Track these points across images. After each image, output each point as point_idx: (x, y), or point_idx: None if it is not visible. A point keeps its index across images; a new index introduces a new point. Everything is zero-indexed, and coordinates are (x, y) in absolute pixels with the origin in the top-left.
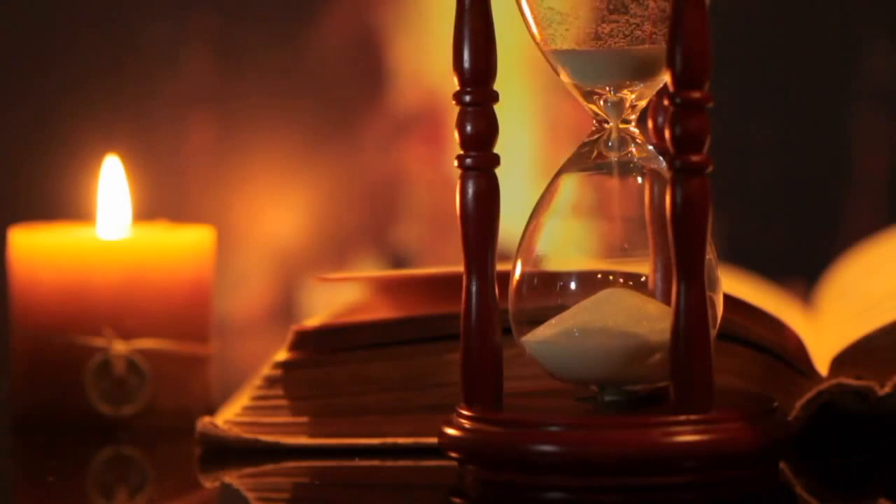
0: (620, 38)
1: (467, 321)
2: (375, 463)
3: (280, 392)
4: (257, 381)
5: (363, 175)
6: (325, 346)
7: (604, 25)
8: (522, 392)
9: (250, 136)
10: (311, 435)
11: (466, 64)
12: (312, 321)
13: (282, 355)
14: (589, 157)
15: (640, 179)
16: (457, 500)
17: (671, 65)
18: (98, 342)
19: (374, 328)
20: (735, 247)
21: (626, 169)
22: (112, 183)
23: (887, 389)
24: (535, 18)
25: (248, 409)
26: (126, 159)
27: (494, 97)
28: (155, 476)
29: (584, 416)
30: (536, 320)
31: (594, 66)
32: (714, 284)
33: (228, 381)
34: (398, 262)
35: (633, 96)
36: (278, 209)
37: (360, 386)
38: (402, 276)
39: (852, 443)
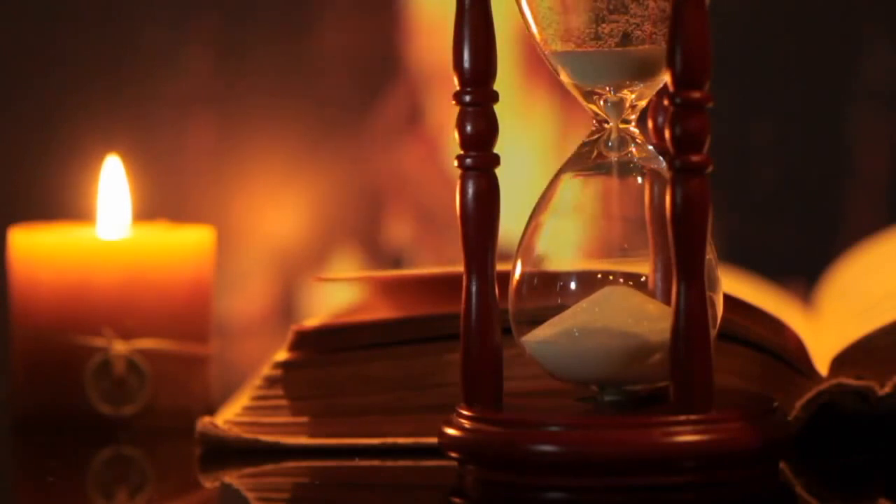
0: (620, 38)
1: (467, 321)
2: (375, 463)
3: (280, 392)
4: (257, 381)
5: (363, 175)
6: (325, 346)
7: (604, 25)
8: (522, 392)
9: (250, 136)
10: (311, 435)
11: (466, 64)
12: (312, 321)
13: (282, 355)
14: (589, 157)
15: (640, 179)
16: (457, 500)
17: (671, 65)
18: (98, 342)
19: (374, 328)
20: (735, 247)
21: (626, 169)
22: (112, 183)
23: (887, 389)
24: (535, 18)
25: (248, 409)
26: (126, 159)
27: (494, 97)
28: (155, 476)
29: (584, 416)
30: (536, 320)
31: (594, 66)
32: (714, 284)
33: (228, 381)
34: (398, 262)
35: (633, 96)
36: (278, 209)
37: (361, 386)
38: (402, 276)
39: (852, 443)
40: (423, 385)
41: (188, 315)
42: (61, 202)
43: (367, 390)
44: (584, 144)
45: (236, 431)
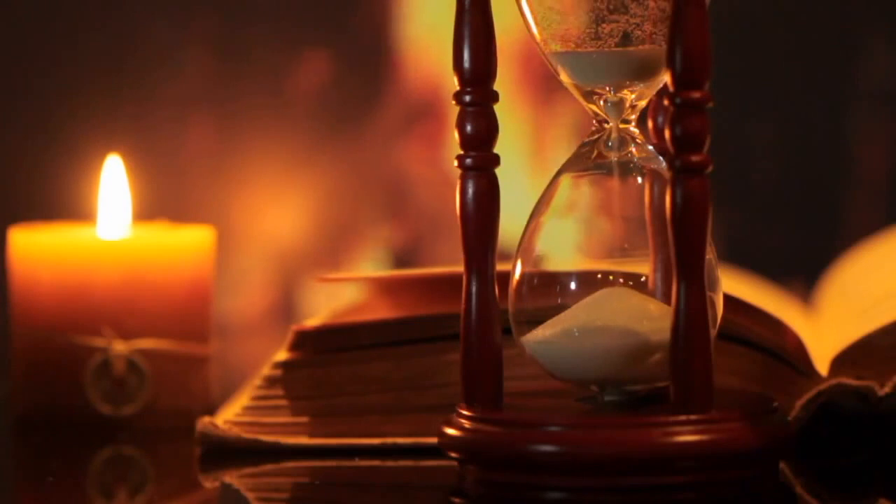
0: (620, 38)
1: (467, 321)
2: (375, 463)
3: (280, 392)
4: (257, 381)
5: (363, 175)
6: (325, 346)
7: (604, 25)
8: (522, 392)
9: (250, 136)
10: (311, 435)
11: (466, 64)
12: (312, 321)
13: (282, 355)
14: (589, 157)
15: (640, 179)
16: (457, 500)
17: (671, 65)
18: (98, 342)
19: (374, 328)
20: (735, 247)
21: (626, 169)
22: (113, 183)
23: (887, 389)
24: (535, 18)
25: (248, 409)
26: (126, 159)
27: (494, 97)
28: (155, 476)
29: (584, 416)
30: (536, 320)
31: (594, 66)
32: (714, 284)
33: (228, 381)
34: (398, 262)
35: (633, 96)
36: (278, 209)
37: (360, 386)
38: (402, 276)
39: (852, 443)
40: (423, 385)
41: (188, 315)
42: (61, 202)
43: (366, 390)
44: (584, 144)
45: (236, 431)
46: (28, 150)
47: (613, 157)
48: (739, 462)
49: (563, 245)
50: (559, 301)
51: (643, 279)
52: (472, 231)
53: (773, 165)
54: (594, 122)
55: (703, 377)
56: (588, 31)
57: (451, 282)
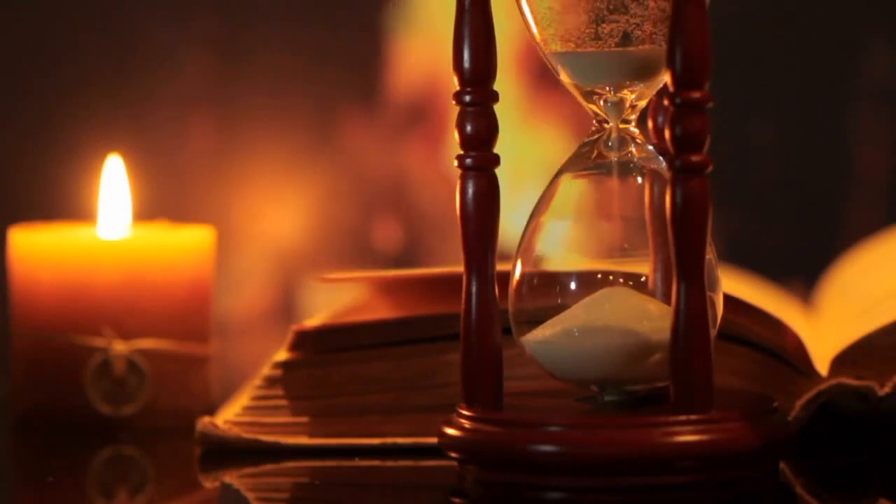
0: (620, 38)
1: (467, 321)
2: (375, 463)
3: (280, 392)
4: (257, 381)
5: (363, 175)
6: (325, 346)
7: (604, 25)
8: (522, 392)
9: (250, 136)
10: (311, 435)
11: (466, 64)
12: (312, 321)
13: (282, 355)
14: (589, 157)
15: (640, 179)
16: (457, 500)
17: (671, 65)
18: (98, 342)
19: (374, 328)
20: (735, 247)
21: (626, 169)
22: (113, 183)
23: (887, 389)
24: (535, 18)
25: (248, 409)
26: (126, 159)
27: (494, 97)
28: (155, 476)
29: (584, 416)
30: (536, 320)
31: (594, 66)
32: (714, 284)
33: (228, 381)
34: (398, 262)
35: (633, 96)
36: (278, 209)
37: (360, 386)
38: (402, 276)
39: (852, 443)
40: (423, 385)
41: (188, 315)
42: (61, 202)
43: (366, 390)
44: (584, 144)
45: (236, 431)
46: (28, 150)
47: (613, 157)
48: (739, 462)
49: (563, 245)
50: (559, 301)
51: (643, 279)
52: (472, 231)
53: (773, 165)
54: (594, 122)
55: (703, 377)
56: (588, 31)
57: (451, 282)
